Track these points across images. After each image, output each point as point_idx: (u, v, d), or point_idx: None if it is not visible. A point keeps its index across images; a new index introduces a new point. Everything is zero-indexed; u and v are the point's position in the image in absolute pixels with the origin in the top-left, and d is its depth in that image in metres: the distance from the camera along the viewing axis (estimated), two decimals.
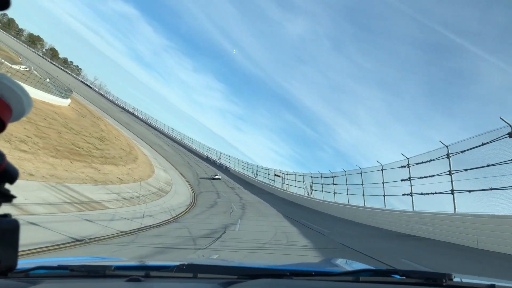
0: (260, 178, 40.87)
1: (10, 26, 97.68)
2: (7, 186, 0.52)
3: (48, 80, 39.86)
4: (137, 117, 71.93)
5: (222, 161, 51.77)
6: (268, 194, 34.18)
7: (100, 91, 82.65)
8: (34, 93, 26.30)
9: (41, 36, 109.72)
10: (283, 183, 34.68)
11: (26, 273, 1.26)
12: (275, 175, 37.27)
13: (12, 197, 0.51)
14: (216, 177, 41.85)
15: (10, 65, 37.46)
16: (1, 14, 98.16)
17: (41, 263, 1.41)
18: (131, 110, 75.13)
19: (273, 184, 37.33)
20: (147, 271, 1.31)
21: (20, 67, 40.03)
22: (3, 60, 36.28)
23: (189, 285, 1.21)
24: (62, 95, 36.52)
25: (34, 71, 40.81)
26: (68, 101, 38.53)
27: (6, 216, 0.49)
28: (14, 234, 0.48)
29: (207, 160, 54.78)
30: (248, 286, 0.99)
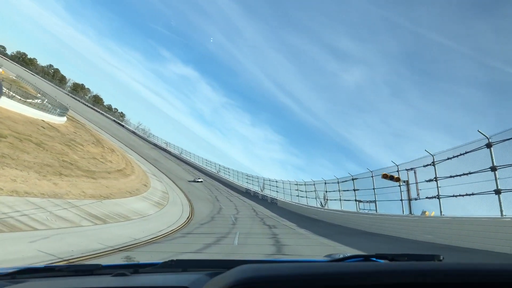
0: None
1: (62, 82, 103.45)
2: None
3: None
4: (169, 152, 67.44)
5: (266, 192, 38.49)
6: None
7: (131, 129, 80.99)
8: None
9: (85, 86, 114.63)
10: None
11: (13, 276, 1.28)
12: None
13: None
14: (199, 180, 45.55)
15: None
16: (47, 66, 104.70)
17: (28, 266, 1.42)
18: (163, 146, 71.22)
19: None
20: (135, 269, 1.33)
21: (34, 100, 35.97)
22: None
23: (176, 276, 1.22)
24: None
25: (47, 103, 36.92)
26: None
27: None
28: None
29: (247, 193, 42.12)
30: (228, 272, 0.86)
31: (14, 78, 58.03)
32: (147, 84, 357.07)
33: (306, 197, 29.30)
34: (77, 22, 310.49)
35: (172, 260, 1.37)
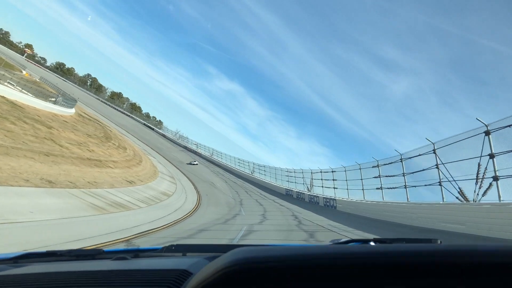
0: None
1: (98, 90, 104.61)
2: None
3: None
4: (199, 155, 60.97)
5: (316, 191, 28.04)
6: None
7: (161, 132, 77.32)
8: None
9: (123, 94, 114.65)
10: None
11: (15, 260, 1.31)
12: None
13: None
14: (194, 163, 47.00)
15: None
16: (85, 75, 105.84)
17: (29, 251, 1.44)
18: (193, 148, 65.31)
19: None
20: (136, 253, 1.37)
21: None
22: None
23: (174, 260, 1.24)
24: None
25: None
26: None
27: None
28: None
29: (288, 195, 31.93)
30: (225, 254, 0.86)
31: (37, 80, 57.15)
32: (193, 100, 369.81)
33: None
34: (127, 43, 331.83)
35: (172, 245, 1.43)
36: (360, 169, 20.17)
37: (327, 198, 24.63)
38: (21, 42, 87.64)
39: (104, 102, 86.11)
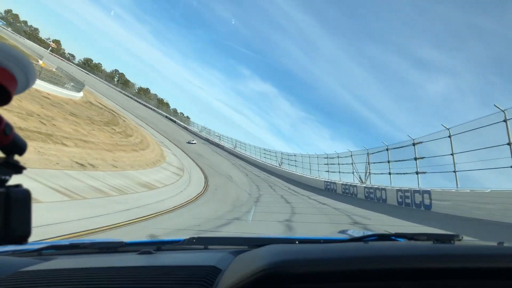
0: None
1: (125, 85, 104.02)
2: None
3: None
4: (222, 147, 56.30)
5: (374, 182, 20.41)
6: None
7: (183, 124, 73.60)
8: None
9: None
10: None
11: (39, 252, 1.32)
12: None
13: (22, 168, 0.53)
14: (193, 142, 49.01)
15: None
16: (113, 71, 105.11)
17: (53, 243, 1.47)
18: (216, 140, 60.45)
19: None
20: (158, 246, 1.36)
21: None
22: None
23: (199, 255, 1.24)
24: None
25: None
26: None
27: (17, 186, 0.51)
28: (26, 203, 0.50)
29: (330, 190, 24.45)
30: (255, 252, 0.96)
31: (53, 69, 54.95)
32: (226, 101, 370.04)
33: None
34: (162, 45, 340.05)
35: (193, 237, 1.41)
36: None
37: (404, 191, 14.68)
38: (49, 38, 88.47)
39: (126, 94, 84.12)
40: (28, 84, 0.52)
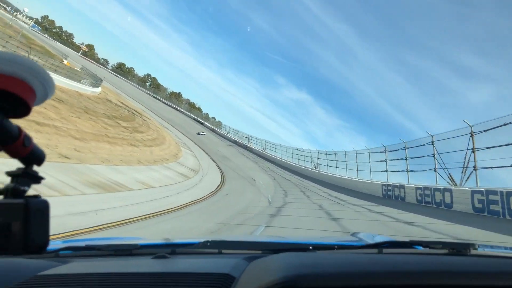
0: None
1: (157, 89, 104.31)
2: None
3: None
4: (250, 149, 51.92)
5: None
6: None
7: (210, 125, 71.39)
8: None
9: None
10: None
11: (56, 253, 1.33)
12: None
13: (41, 178, 0.54)
14: (202, 133, 50.46)
15: None
16: (145, 75, 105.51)
17: (70, 244, 1.50)
18: (244, 142, 56.45)
19: None
20: (172, 248, 1.36)
21: None
22: None
23: (213, 260, 1.23)
24: None
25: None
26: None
27: (36, 196, 0.52)
28: (44, 213, 0.51)
29: (391, 197, 17.90)
30: (269, 259, 0.98)
31: (78, 69, 54.29)
32: (261, 109, 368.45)
33: None
34: (198, 54, 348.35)
35: (207, 241, 1.40)
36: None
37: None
38: (83, 43, 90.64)
39: (154, 97, 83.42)
40: (46, 95, 0.53)
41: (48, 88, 0.52)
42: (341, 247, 1.35)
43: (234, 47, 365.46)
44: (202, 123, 70.29)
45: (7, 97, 0.48)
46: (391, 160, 19.29)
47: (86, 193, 8.34)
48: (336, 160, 26.46)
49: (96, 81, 39.53)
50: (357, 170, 23.21)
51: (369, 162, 21.44)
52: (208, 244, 1.38)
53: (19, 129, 0.50)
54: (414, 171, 17.21)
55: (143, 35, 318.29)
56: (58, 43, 72.56)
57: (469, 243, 1.11)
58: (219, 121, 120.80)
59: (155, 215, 8.29)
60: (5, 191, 0.51)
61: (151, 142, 25.61)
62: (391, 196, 17.14)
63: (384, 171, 19.36)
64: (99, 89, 39.17)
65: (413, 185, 15.53)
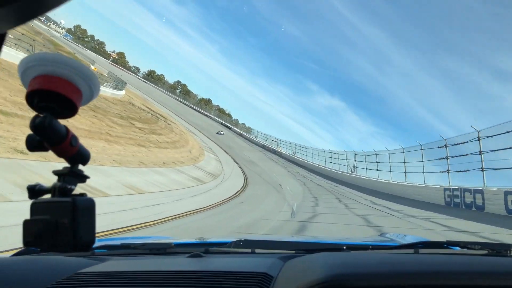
0: None
1: (187, 95, 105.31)
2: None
3: None
4: (279, 154, 48.85)
5: None
6: None
7: (238, 130, 70.11)
8: None
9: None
10: None
11: (92, 252, 1.34)
12: None
13: (86, 177, 0.55)
14: (221, 132, 50.69)
15: None
16: (175, 82, 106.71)
17: (105, 243, 1.51)
18: (274, 147, 53.54)
19: None
20: (206, 247, 1.36)
21: None
22: None
23: (248, 260, 1.23)
24: None
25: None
26: None
27: (82, 195, 0.52)
28: (91, 211, 0.52)
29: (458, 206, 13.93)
30: (305, 259, 0.99)
31: (104, 74, 55.19)
32: (293, 115, 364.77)
33: None
34: (229, 62, 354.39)
35: (240, 240, 1.39)
36: None
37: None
38: (114, 51, 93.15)
39: (182, 102, 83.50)
40: (92, 95, 0.53)
41: (94, 89, 0.53)
42: (375, 247, 1.34)
43: (266, 55, 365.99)
44: (230, 128, 69.13)
45: (55, 98, 0.48)
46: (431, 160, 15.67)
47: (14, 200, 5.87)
48: (377, 162, 22.70)
49: (118, 84, 39.46)
50: (405, 172, 19.30)
51: (422, 161, 17.58)
52: (241, 243, 1.37)
53: (67, 129, 0.50)
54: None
55: (174, 43, 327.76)
56: (88, 50, 74.60)
57: (509, 244, 1.08)
58: (248, 127, 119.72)
59: (111, 232, 5.62)
60: (53, 190, 0.52)
61: (167, 145, 23.60)
62: (458, 204, 13.20)
63: (445, 171, 15.43)
64: (122, 92, 38.96)
65: (495, 188, 11.65)
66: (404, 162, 18.71)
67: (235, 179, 22.02)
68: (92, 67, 53.97)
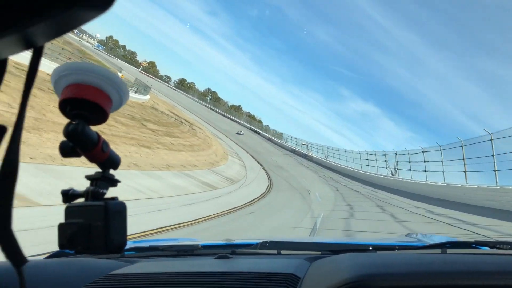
0: None
1: (217, 102, 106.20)
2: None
3: None
4: (310, 158, 46.74)
5: None
6: None
7: (266, 135, 69.20)
8: None
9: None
10: None
11: (122, 254, 1.37)
12: None
13: (117, 181, 0.57)
14: (241, 132, 52.31)
15: None
16: (206, 89, 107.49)
17: (134, 245, 1.53)
18: (304, 151, 51.36)
19: None
20: (232, 249, 1.37)
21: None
22: None
23: (274, 261, 1.23)
24: None
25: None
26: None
27: (114, 199, 0.54)
28: (122, 214, 0.53)
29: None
30: (332, 260, 1.00)
31: (131, 81, 56.20)
32: (326, 122, 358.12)
33: None
34: (261, 70, 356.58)
35: (266, 241, 1.38)
36: None
37: None
38: (145, 60, 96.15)
39: (211, 108, 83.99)
40: (121, 102, 0.55)
41: (123, 95, 0.54)
42: (402, 247, 1.33)
43: (298, 62, 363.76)
44: (258, 133, 68.06)
45: (86, 105, 0.50)
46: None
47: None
48: (425, 161, 18.92)
49: (141, 88, 40.46)
50: (464, 172, 15.31)
51: (493, 155, 13.78)
52: (267, 244, 1.37)
53: (98, 136, 0.52)
54: None
55: (206, 53, 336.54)
56: (118, 60, 76.97)
57: None
58: (280, 132, 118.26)
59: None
60: (86, 194, 0.53)
61: (183, 147, 21.74)
62: None
63: None
64: (145, 97, 39.53)
65: None
66: (463, 159, 14.95)
67: (257, 185, 19.57)
68: (120, 74, 54.76)
